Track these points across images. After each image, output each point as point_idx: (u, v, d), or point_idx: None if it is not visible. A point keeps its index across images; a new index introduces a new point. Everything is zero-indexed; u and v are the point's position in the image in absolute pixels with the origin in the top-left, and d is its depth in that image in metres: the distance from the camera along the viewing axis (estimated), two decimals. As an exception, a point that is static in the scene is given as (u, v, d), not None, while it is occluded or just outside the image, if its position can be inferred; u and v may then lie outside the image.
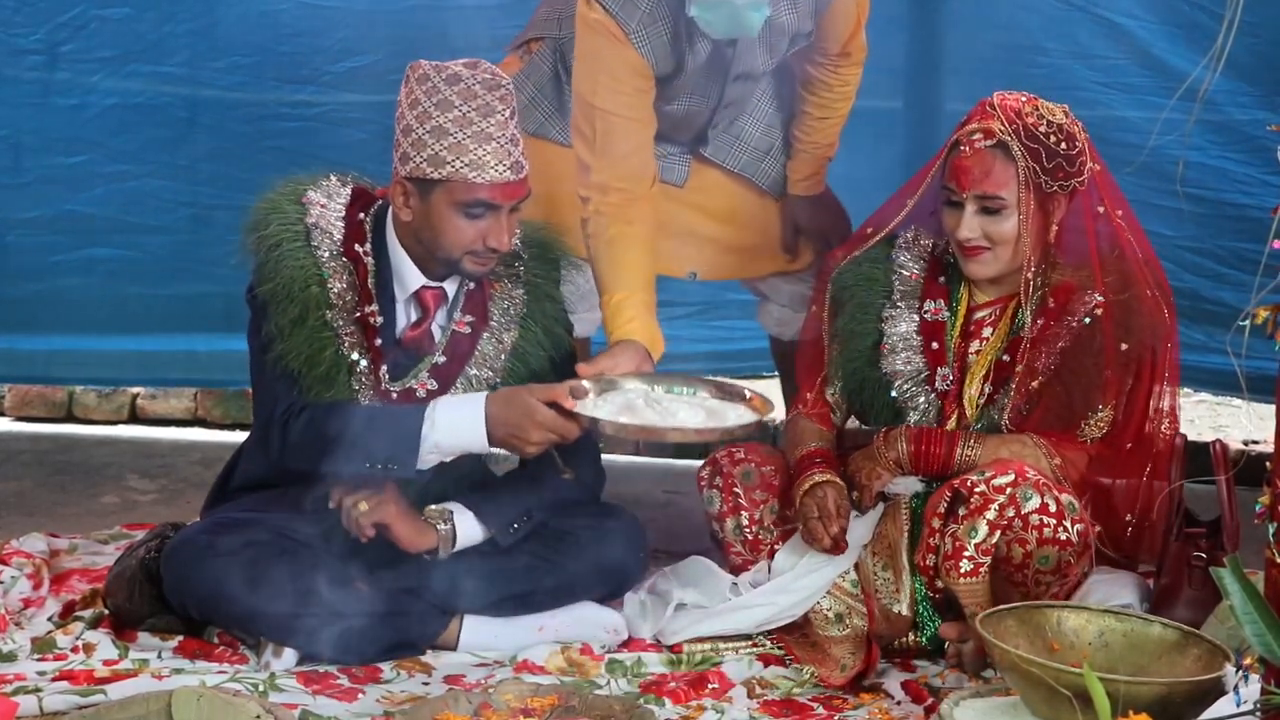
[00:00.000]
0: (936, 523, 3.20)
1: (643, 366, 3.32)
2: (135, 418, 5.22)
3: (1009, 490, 3.11)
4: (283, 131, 4.52)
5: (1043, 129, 3.21)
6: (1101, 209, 3.29)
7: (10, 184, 4.52)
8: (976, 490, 3.13)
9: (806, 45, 3.69)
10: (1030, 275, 3.27)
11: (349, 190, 3.26)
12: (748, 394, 3.26)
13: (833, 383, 3.46)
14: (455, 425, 3.13)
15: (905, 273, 3.41)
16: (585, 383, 3.19)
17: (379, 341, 3.19)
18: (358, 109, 4.48)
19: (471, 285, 3.28)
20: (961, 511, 3.15)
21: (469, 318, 3.27)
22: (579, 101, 3.58)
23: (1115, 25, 4.29)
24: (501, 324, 3.29)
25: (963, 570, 3.13)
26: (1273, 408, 2.69)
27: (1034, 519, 3.11)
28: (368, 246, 3.21)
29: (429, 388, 3.22)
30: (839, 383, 3.44)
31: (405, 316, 3.25)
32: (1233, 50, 2.74)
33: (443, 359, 3.24)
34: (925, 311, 3.38)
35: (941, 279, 3.40)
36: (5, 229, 4.55)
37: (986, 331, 3.36)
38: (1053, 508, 3.12)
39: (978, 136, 3.24)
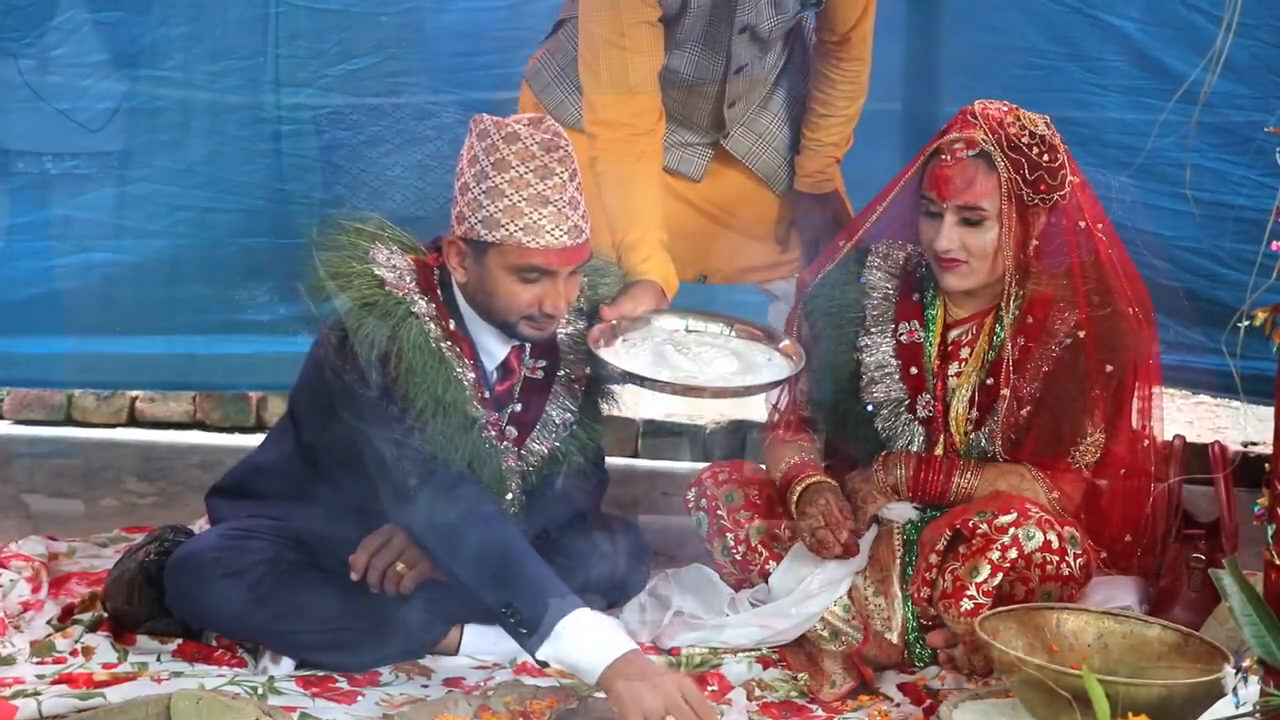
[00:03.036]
0: (934, 558, 3.16)
1: (660, 306, 3.33)
2: (134, 421, 5.20)
3: (1011, 530, 3.07)
4: (279, 135, 4.50)
5: (1025, 139, 3.16)
6: (1083, 223, 3.24)
7: (5, 188, 4.50)
8: (979, 532, 3.09)
9: (816, 9, 3.64)
10: (1010, 289, 3.22)
11: (407, 260, 3.09)
12: (781, 341, 3.33)
13: (805, 405, 3.42)
14: (583, 646, 2.83)
15: (877, 294, 3.36)
16: (614, 322, 3.22)
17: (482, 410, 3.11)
18: (355, 112, 4.47)
19: None
20: (963, 550, 3.12)
21: (541, 362, 3.21)
22: (585, 35, 3.55)
23: (1112, 27, 4.28)
24: (572, 362, 3.24)
25: (963, 609, 3.08)
26: (1271, 409, 2.69)
27: (1037, 557, 3.08)
28: (452, 324, 3.09)
29: (509, 436, 3.17)
30: (818, 412, 3.40)
31: (492, 378, 3.18)
32: (1230, 52, 2.74)
33: (519, 406, 3.19)
34: (900, 334, 3.34)
35: (915, 296, 3.35)
36: (1, 234, 4.55)
37: (964, 352, 3.31)
38: (1055, 544, 3.08)
39: (959, 146, 3.18)
